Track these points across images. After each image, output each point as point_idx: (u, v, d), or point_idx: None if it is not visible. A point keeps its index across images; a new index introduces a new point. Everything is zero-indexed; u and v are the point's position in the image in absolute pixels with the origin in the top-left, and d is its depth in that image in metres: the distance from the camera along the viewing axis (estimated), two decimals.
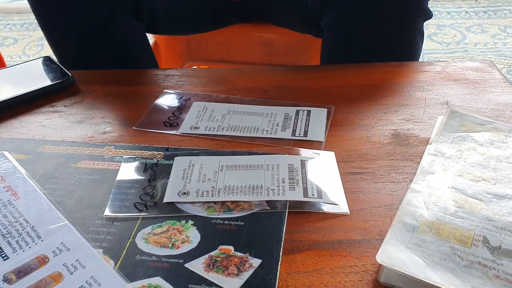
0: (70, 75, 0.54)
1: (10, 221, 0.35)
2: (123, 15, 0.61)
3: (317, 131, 0.46)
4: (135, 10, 0.63)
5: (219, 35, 0.79)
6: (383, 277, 0.31)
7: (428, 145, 0.43)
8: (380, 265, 0.31)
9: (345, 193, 0.38)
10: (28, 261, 0.32)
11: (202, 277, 0.31)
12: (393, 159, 0.42)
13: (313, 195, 0.38)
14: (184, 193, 0.38)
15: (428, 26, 1.84)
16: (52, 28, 0.61)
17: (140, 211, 0.37)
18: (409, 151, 0.43)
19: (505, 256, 0.31)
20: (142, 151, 0.43)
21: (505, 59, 1.71)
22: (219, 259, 0.32)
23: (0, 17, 2.07)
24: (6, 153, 0.42)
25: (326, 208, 0.37)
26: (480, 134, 0.43)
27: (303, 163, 0.41)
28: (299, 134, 0.46)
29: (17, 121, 0.49)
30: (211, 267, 0.32)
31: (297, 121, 0.48)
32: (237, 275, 0.31)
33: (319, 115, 0.48)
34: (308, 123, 0.47)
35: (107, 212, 0.37)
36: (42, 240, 0.33)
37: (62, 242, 0.33)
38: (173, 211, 0.37)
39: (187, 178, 0.40)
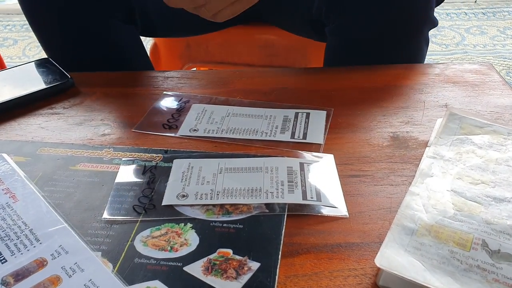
0: (70, 77, 0.54)
1: (9, 224, 0.35)
2: (115, 20, 0.61)
3: (316, 133, 0.46)
4: (127, 14, 0.63)
5: (219, 36, 0.79)
6: (382, 281, 0.31)
7: (427, 148, 0.43)
8: (379, 268, 0.31)
9: (344, 196, 0.38)
10: (27, 264, 0.32)
11: (201, 280, 0.31)
12: (392, 162, 0.42)
13: (312, 198, 0.38)
14: (183, 196, 0.38)
15: None
16: (44, 33, 0.62)
17: (139, 213, 0.37)
18: (408, 154, 0.43)
19: (504, 259, 0.31)
20: (141, 154, 0.43)
21: (504, 61, 1.71)
22: (217, 262, 0.32)
23: (0, 18, 2.08)
24: (4, 155, 0.42)
25: (325, 211, 0.37)
26: (479, 136, 0.43)
27: (302, 165, 0.41)
28: (298, 137, 0.46)
29: (16, 123, 0.49)
30: (209, 270, 0.32)
31: (296, 124, 0.48)
32: (235, 279, 0.31)
33: (318, 118, 0.48)
34: (307, 125, 0.47)
35: (106, 215, 0.36)
36: (40, 243, 0.33)
37: (61, 245, 0.33)
38: (172, 214, 0.37)
39: (186, 180, 0.40)
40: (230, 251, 0.33)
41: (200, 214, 0.36)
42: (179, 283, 0.31)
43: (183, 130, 0.47)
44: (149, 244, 0.34)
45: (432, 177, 0.38)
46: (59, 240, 0.34)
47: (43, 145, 0.44)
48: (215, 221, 0.36)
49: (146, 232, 0.35)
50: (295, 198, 0.38)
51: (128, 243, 0.34)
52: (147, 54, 0.71)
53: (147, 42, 0.91)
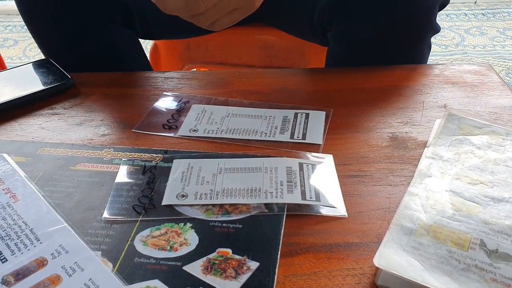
0: (70, 77, 0.54)
1: (9, 224, 0.35)
2: (113, 24, 0.61)
3: (316, 134, 0.46)
4: (125, 18, 0.63)
5: (219, 37, 0.79)
6: (380, 280, 0.31)
7: (426, 148, 0.43)
8: (377, 268, 0.31)
9: (343, 196, 0.39)
10: (27, 264, 0.32)
11: (200, 279, 0.31)
12: (391, 162, 0.42)
13: (311, 198, 0.38)
14: (183, 196, 0.38)
15: None
16: (42, 36, 0.62)
17: (139, 213, 0.37)
18: (407, 154, 0.43)
19: (502, 259, 0.31)
20: (141, 154, 0.43)
21: (504, 62, 1.71)
22: (217, 261, 0.32)
23: (1, 19, 2.08)
24: (5, 155, 0.43)
25: (324, 211, 0.37)
26: (478, 137, 0.43)
27: (301, 166, 0.41)
28: (298, 137, 0.46)
29: (17, 124, 0.49)
30: (209, 270, 0.32)
31: (296, 124, 0.48)
32: (235, 278, 0.31)
33: (317, 118, 0.49)
34: (307, 126, 0.47)
35: (106, 215, 0.37)
36: (40, 243, 0.34)
37: (61, 245, 0.33)
38: (172, 214, 0.37)
39: (185, 180, 0.40)
40: (229, 250, 0.33)
41: (199, 214, 0.37)
42: (179, 282, 0.31)
43: (183, 131, 0.47)
44: (149, 243, 0.34)
45: (430, 178, 0.39)
46: (59, 239, 0.34)
47: (43, 145, 0.45)
48: (215, 221, 0.36)
49: (146, 231, 0.35)
50: (294, 198, 0.38)
51: (128, 242, 0.34)
52: (146, 58, 0.71)
53: (147, 43, 0.91)
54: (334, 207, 0.37)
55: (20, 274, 0.31)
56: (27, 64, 0.58)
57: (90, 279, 0.31)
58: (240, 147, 0.45)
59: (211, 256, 0.33)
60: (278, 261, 0.33)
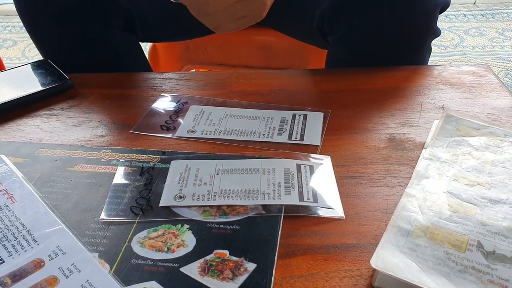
0: (68, 78, 0.54)
1: (6, 225, 0.35)
2: (114, 28, 0.61)
3: (313, 135, 0.46)
4: (126, 23, 0.63)
5: (218, 38, 0.79)
6: (377, 282, 0.31)
7: (424, 150, 0.43)
8: (374, 269, 0.31)
9: (340, 197, 0.39)
10: (24, 265, 0.32)
11: (197, 281, 0.31)
12: (389, 164, 0.42)
13: (308, 199, 0.38)
14: (180, 197, 0.38)
15: None
16: (41, 40, 0.62)
17: (136, 215, 0.37)
18: (405, 156, 0.43)
19: (499, 261, 0.31)
20: (139, 155, 0.43)
21: (503, 62, 1.71)
22: (214, 263, 0.32)
23: (0, 19, 2.08)
24: (3, 156, 0.43)
25: (322, 212, 0.37)
26: (476, 138, 0.43)
27: (299, 167, 0.41)
28: (295, 138, 0.46)
29: (15, 124, 0.49)
30: (206, 271, 0.32)
31: (294, 125, 0.48)
32: (232, 280, 0.31)
33: (315, 119, 0.49)
34: (305, 127, 0.47)
35: (103, 216, 0.37)
36: (38, 244, 0.34)
37: (58, 246, 0.33)
38: (169, 215, 0.37)
39: (183, 182, 0.40)
40: (226, 252, 0.33)
41: (197, 215, 0.37)
42: (176, 284, 0.31)
43: (181, 132, 0.47)
44: (146, 245, 0.34)
45: (428, 179, 0.39)
46: (56, 241, 0.34)
47: (41, 146, 0.45)
48: (212, 222, 0.36)
49: (143, 233, 0.35)
50: (292, 199, 0.38)
51: (125, 244, 0.34)
52: (147, 61, 0.71)
53: (146, 44, 0.91)
54: (331, 208, 0.37)
55: (17, 276, 0.31)
56: (26, 65, 0.58)
57: (87, 280, 0.31)
58: (238, 148, 0.45)
59: (208, 257, 0.33)
60: (275, 262, 0.33)
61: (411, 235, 0.33)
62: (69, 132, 0.47)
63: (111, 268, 0.32)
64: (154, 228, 0.36)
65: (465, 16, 2.07)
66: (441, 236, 0.33)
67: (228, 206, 0.37)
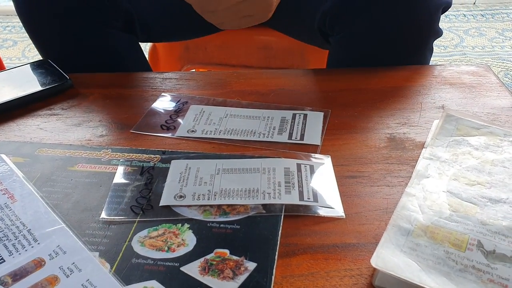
0: (68, 78, 0.54)
1: (7, 224, 0.35)
2: (113, 29, 0.61)
3: (314, 134, 0.46)
4: (126, 23, 0.63)
5: (218, 38, 0.79)
6: (377, 281, 0.31)
7: (424, 149, 0.43)
8: (374, 268, 0.31)
9: (340, 196, 0.39)
10: (24, 264, 0.32)
11: (198, 280, 0.31)
12: (389, 163, 0.42)
13: (308, 198, 0.38)
14: (181, 197, 0.38)
15: None
16: (41, 40, 0.62)
17: (137, 214, 0.37)
18: (405, 155, 0.43)
19: (499, 260, 0.31)
20: (139, 154, 0.43)
21: (503, 63, 1.72)
22: (214, 262, 0.33)
23: (0, 19, 2.08)
24: (3, 156, 0.43)
25: (322, 211, 0.37)
26: (476, 138, 0.43)
27: (299, 166, 0.41)
28: (296, 138, 0.46)
29: (15, 124, 0.49)
30: (206, 271, 0.32)
31: (294, 125, 0.48)
32: (232, 279, 0.31)
33: (315, 119, 0.49)
34: (305, 126, 0.48)
35: (104, 215, 0.37)
36: (38, 243, 0.34)
37: (59, 245, 0.33)
38: (169, 215, 0.37)
39: (183, 181, 0.40)
40: (227, 251, 0.33)
41: (197, 215, 0.37)
42: (176, 283, 0.31)
43: (181, 131, 0.47)
44: (146, 244, 0.34)
45: (428, 178, 0.39)
46: (57, 240, 0.34)
47: (41, 146, 0.45)
48: (212, 222, 0.36)
49: (144, 232, 0.35)
50: (292, 198, 0.38)
51: (126, 243, 0.34)
52: (147, 62, 0.71)
53: (146, 44, 0.91)
54: (331, 207, 0.37)
55: (18, 275, 0.31)
56: (26, 65, 0.58)
57: (88, 279, 0.31)
58: (238, 147, 0.45)
59: (208, 256, 0.33)
60: (275, 261, 0.33)
61: (411, 235, 0.33)
62: (69, 131, 0.47)
63: (111, 268, 0.32)
64: (155, 227, 0.36)
65: (465, 16, 2.08)
66: (441, 235, 0.33)
67: (229, 205, 0.37)
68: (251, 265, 0.32)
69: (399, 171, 0.42)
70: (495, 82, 0.55)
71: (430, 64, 0.62)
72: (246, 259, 0.33)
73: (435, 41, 0.62)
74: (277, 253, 0.33)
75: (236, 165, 0.42)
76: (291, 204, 0.38)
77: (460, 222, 0.34)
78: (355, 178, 0.41)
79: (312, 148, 0.45)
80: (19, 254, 0.33)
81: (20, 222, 0.35)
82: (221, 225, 0.36)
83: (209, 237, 0.35)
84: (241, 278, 0.31)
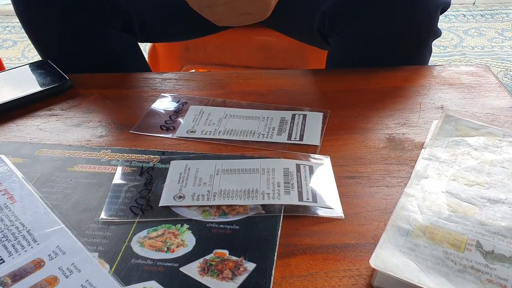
0: (68, 78, 0.54)
1: (6, 225, 0.35)
2: (112, 29, 0.61)
3: (313, 135, 0.46)
4: (124, 23, 0.63)
5: (218, 39, 0.79)
6: (376, 281, 0.31)
7: (423, 150, 0.43)
8: (373, 269, 0.31)
9: (340, 197, 0.39)
10: (24, 265, 0.32)
11: (197, 281, 0.31)
12: (388, 163, 0.42)
13: (308, 199, 0.38)
14: (180, 197, 0.38)
15: None
16: (40, 41, 0.62)
17: (136, 214, 0.37)
18: (404, 156, 0.43)
19: (498, 260, 0.31)
20: (139, 155, 0.43)
21: (502, 63, 1.72)
22: (214, 263, 0.33)
23: (0, 19, 2.08)
24: (3, 156, 0.43)
25: (321, 212, 0.37)
26: (475, 138, 0.43)
27: (298, 167, 0.41)
28: (295, 138, 0.46)
29: (14, 125, 0.49)
30: (205, 271, 0.32)
31: (293, 125, 0.48)
32: (231, 279, 0.31)
33: (315, 119, 0.49)
34: (304, 127, 0.48)
35: (103, 216, 0.37)
36: (38, 244, 0.34)
37: (58, 246, 0.34)
38: (169, 215, 0.37)
39: (183, 182, 0.40)
40: (226, 252, 0.33)
41: (196, 215, 0.37)
42: (176, 283, 0.31)
43: (181, 132, 0.47)
44: (145, 245, 0.34)
45: (427, 179, 0.39)
46: (56, 241, 0.34)
47: (41, 147, 0.45)
48: (212, 222, 0.36)
49: (143, 233, 0.35)
50: (291, 199, 0.38)
51: (125, 244, 0.34)
52: (146, 62, 0.71)
53: (146, 44, 0.91)
54: (331, 208, 0.37)
55: (17, 275, 0.31)
56: (25, 65, 0.58)
57: (87, 280, 0.31)
58: (237, 148, 0.45)
59: (208, 257, 0.33)
60: (274, 262, 0.33)
61: (410, 235, 0.33)
62: (69, 132, 0.47)
63: (111, 268, 0.32)
64: (154, 228, 0.36)
65: (465, 16, 2.08)
66: (440, 235, 0.33)
67: (228, 206, 0.38)
68: (250, 266, 0.32)
69: (398, 171, 0.42)
70: (494, 83, 0.55)
71: (429, 64, 0.62)
72: (245, 259, 0.33)
73: (434, 41, 0.62)
74: (276, 253, 0.33)
75: (235, 166, 0.42)
76: (290, 205, 0.38)
77: (459, 222, 0.34)
78: (354, 179, 0.41)
79: (311, 149, 0.45)
80: (19, 254, 0.33)
81: (20, 222, 0.35)
82: (221, 226, 0.36)
83: (208, 237, 0.35)
84: (240, 279, 0.31)
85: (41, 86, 0.53)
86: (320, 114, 0.50)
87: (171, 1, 0.66)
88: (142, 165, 0.42)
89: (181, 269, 0.32)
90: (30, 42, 0.63)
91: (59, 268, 0.32)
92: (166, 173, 0.41)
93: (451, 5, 0.60)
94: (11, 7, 0.59)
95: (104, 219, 0.36)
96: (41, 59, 0.61)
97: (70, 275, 0.31)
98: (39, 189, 0.39)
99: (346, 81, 0.56)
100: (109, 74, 0.59)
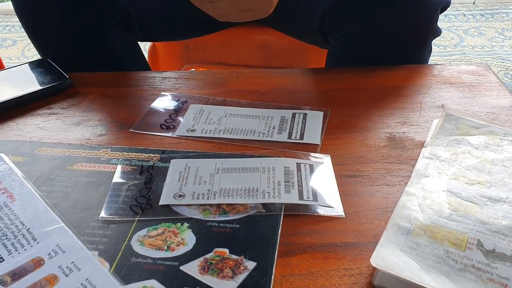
0: (68, 77, 0.54)
1: (6, 223, 0.35)
2: (112, 28, 0.61)
3: (313, 134, 0.46)
4: (124, 22, 0.63)
5: (217, 38, 0.79)
6: (377, 280, 0.31)
7: (423, 148, 0.43)
8: (374, 268, 0.31)
9: (340, 196, 0.39)
10: (24, 264, 0.32)
11: (197, 279, 0.31)
12: (388, 162, 0.42)
13: (308, 198, 0.38)
14: (180, 196, 0.38)
15: None
16: (40, 40, 0.62)
17: (136, 213, 0.37)
18: (405, 154, 0.43)
19: (499, 259, 0.31)
20: (139, 154, 0.43)
21: (502, 62, 1.72)
22: (214, 261, 0.32)
23: None
24: (2, 155, 0.43)
25: (321, 211, 0.37)
26: (475, 137, 0.43)
27: (298, 166, 0.41)
28: (295, 137, 0.46)
29: (14, 123, 0.49)
30: (206, 270, 0.32)
31: (293, 124, 0.48)
32: (232, 278, 0.31)
33: (315, 118, 0.49)
34: (304, 126, 0.47)
35: (103, 215, 0.37)
36: (37, 243, 0.34)
37: (58, 245, 0.33)
38: (169, 214, 0.37)
39: (183, 180, 0.40)
40: (226, 250, 0.33)
41: (197, 214, 0.37)
42: (176, 282, 0.31)
43: (181, 130, 0.47)
44: (145, 243, 0.34)
45: (428, 178, 0.39)
46: (56, 239, 0.34)
47: (41, 145, 0.45)
48: (212, 221, 0.36)
49: (143, 231, 0.35)
50: (292, 198, 0.38)
51: (125, 242, 0.34)
52: (145, 61, 0.71)
53: (146, 44, 0.91)
54: (331, 207, 0.37)
55: (17, 274, 0.31)
56: (25, 64, 0.58)
57: (87, 279, 0.31)
58: (237, 147, 0.45)
59: (208, 256, 0.33)
60: (275, 261, 0.33)
61: (411, 234, 0.33)
62: (68, 131, 0.47)
63: (111, 267, 0.32)
64: (154, 226, 0.36)
65: (465, 15, 2.08)
66: (441, 234, 0.33)
67: (228, 204, 0.37)
68: (251, 264, 0.32)
69: (399, 170, 0.41)
70: (494, 82, 0.55)
71: (429, 63, 0.62)
72: (245, 258, 0.33)
73: (434, 41, 0.62)
74: (276, 252, 0.33)
75: (235, 165, 0.42)
76: (291, 203, 0.37)
77: (459, 221, 0.34)
78: (355, 177, 0.41)
79: (311, 148, 0.45)
80: (18, 253, 0.33)
81: (19, 221, 0.35)
82: (221, 224, 0.36)
83: (208, 236, 0.35)
84: (241, 277, 0.31)
85: (41, 84, 0.53)
86: (321, 113, 0.49)
87: (171, 0, 0.66)
88: (142, 163, 0.42)
89: (181, 267, 0.32)
90: (30, 41, 0.62)
91: (59, 267, 0.32)
92: (166, 172, 0.41)
93: (451, 5, 0.60)
94: (10, 6, 0.59)
95: (104, 217, 0.36)
96: (41, 58, 0.61)
97: (70, 273, 0.31)
98: (39, 187, 0.39)
99: (346, 80, 0.56)
100: (109, 72, 0.59)
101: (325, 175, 0.41)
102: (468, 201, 0.36)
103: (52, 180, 0.40)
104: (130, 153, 0.43)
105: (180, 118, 0.49)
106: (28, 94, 0.52)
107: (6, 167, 0.41)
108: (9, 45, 1.88)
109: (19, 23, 0.61)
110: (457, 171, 0.39)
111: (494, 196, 0.36)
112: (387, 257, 0.31)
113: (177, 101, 0.52)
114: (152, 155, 0.43)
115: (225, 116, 0.49)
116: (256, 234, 0.35)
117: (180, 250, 0.33)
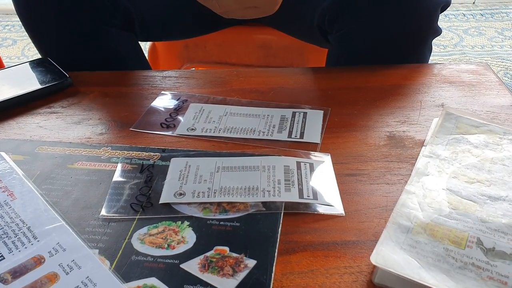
0: (68, 76, 0.54)
1: (6, 222, 0.35)
2: (113, 27, 0.61)
3: (313, 133, 0.46)
4: (125, 22, 0.63)
5: (217, 37, 0.79)
6: (377, 278, 0.31)
7: (423, 147, 0.43)
8: (374, 266, 0.31)
9: (340, 194, 0.39)
10: (24, 262, 0.32)
11: (198, 277, 0.31)
12: (388, 161, 0.42)
13: (308, 196, 0.38)
14: (180, 194, 0.38)
15: None
16: (40, 39, 0.62)
17: (136, 211, 0.37)
18: (404, 153, 0.43)
19: (499, 257, 0.31)
20: (139, 152, 0.43)
21: (502, 62, 1.72)
22: (214, 259, 0.33)
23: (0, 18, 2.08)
24: (3, 153, 0.43)
25: (322, 209, 0.37)
26: (475, 136, 0.43)
27: (299, 164, 0.41)
28: (295, 136, 0.46)
29: (15, 122, 0.49)
30: (206, 268, 0.32)
31: (294, 123, 0.48)
32: (232, 276, 0.31)
33: (315, 117, 0.49)
34: (305, 125, 0.48)
35: (103, 213, 0.37)
36: (38, 241, 0.34)
37: (58, 243, 0.33)
38: (169, 212, 0.37)
39: (183, 179, 0.40)
40: (226, 248, 0.33)
41: (197, 212, 0.37)
42: (176, 280, 0.31)
43: (181, 129, 0.47)
44: (146, 241, 0.34)
45: (428, 176, 0.39)
46: (56, 237, 0.34)
47: (41, 144, 0.45)
48: (212, 219, 0.36)
49: (144, 230, 0.35)
50: (292, 196, 0.38)
51: (126, 240, 0.34)
52: (146, 61, 0.71)
53: (146, 43, 0.91)
54: (331, 205, 0.37)
55: (17, 272, 0.31)
56: (26, 63, 0.58)
57: (87, 277, 0.31)
58: (238, 146, 0.45)
59: (208, 254, 0.33)
60: (275, 259, 0.33)
61: (411, 232, 0.33)
62: (69, 129, 0.47)
63: (111, 265, 0.32)
64: (155, 224, 0.36)
65: (465, 15, 2.08)
66: (441, 233, 0.33)
67: (228, 203, 0.37)
68: (251, 262, 0.32)
69: (399, 169, 0.42)
70: (494, 81, 0.55)
71: (429, 63, 0.62)
72: (246, 256, 0.33)
73: (434, 40, 0.62)
74: (277, 250, 0.33)
75: (235, 163, 0.42)
76: (291, 202, 0.38)
77: (459, 219, 0.34)
78: (355, 176, 0.41)
79: (312, 146, 0.45)
80: (19, 251, 0.33)
81: (20, 219, 0.35)
82: (221, 223, 0.36)
83: (209, 234, 0.35)
84: (241, 275, 0.31)
85: (41, 83, 0.53)
86: (321, 112, 0.50)
87: (172, 0, 0.66)
88: (143, 162, 0.42)
89: (182, 265, 0.32)
90: (30, 40, 0.62)
91: (59, 265, 0.32)
92: (166, 171, 0.41)
93: (451, 4, 0.60)
94: (11, 6, 0.59)
95: (104, 216, 0.36)
96: (41, 57, 0.61)
97: (70, 271, 0.31)
98: (39, 186, 0.39)
99: (346, 79, 0.56)
100: (109, 72, 0.59)
101: (325, 173, 0.41)
102: (468, 199, 0.36)
103: (53, 178, 0.40)
104: (131, 152, 0.43)
105: (180, 117, 0.49)
106: (29, 93, 0.52)
107: (7, 166, 0.41)
108: (9, 44, 1.88)
109: (20, 22, 0.61)
110: (457, 170, 0.39)
111: (493, 194, 0.36)
112: (387, 255, 0.31)
113: (177, 100, 0.52)
114: (152, 153, 0.43)
115: (225, 115, 0.49)
116: (256, 232, 0.35)
117: (181, 248, 0.33)
